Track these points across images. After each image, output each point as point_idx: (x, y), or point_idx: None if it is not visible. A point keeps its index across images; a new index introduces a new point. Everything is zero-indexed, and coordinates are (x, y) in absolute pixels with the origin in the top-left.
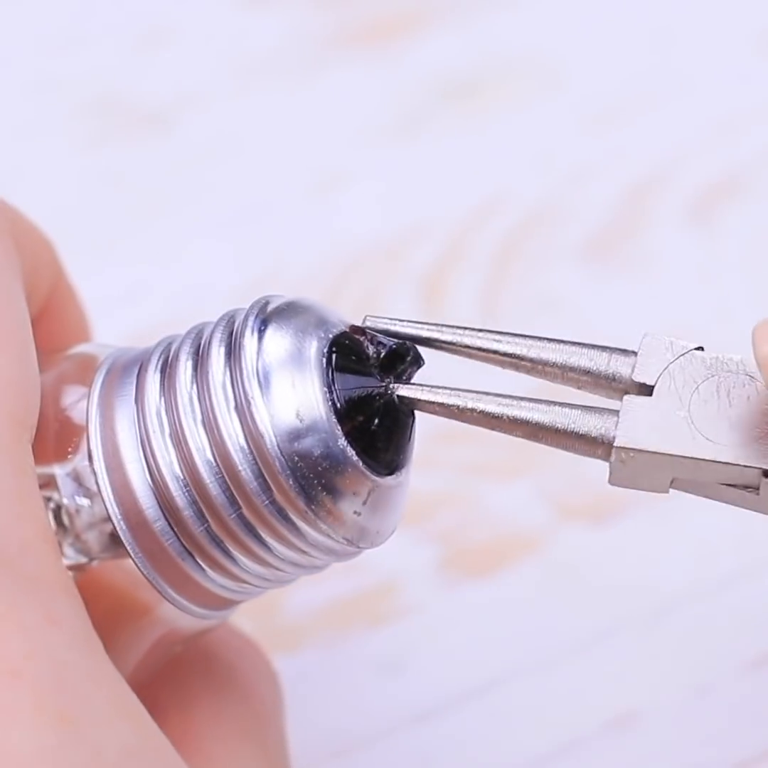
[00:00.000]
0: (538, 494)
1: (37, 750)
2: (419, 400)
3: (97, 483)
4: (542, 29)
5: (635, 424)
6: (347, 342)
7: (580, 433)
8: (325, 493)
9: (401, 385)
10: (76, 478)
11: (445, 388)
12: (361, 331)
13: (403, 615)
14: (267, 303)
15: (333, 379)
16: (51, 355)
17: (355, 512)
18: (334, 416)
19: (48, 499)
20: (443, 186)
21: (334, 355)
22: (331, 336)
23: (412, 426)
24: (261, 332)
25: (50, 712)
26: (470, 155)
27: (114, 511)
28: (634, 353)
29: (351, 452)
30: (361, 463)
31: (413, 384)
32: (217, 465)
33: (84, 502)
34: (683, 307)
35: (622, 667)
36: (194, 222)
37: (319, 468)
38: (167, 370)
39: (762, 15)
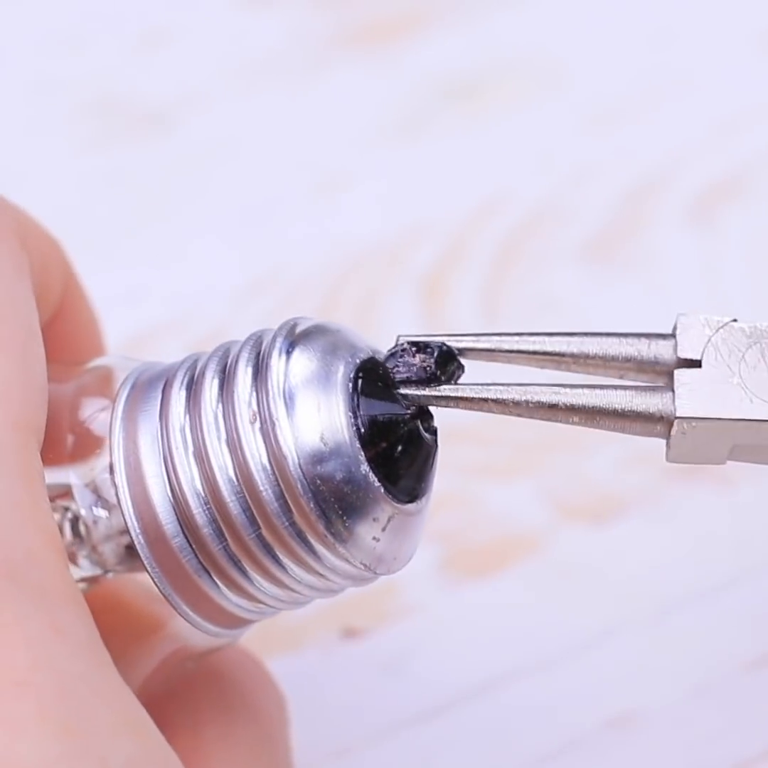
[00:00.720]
0: (539, 494)
1: (42, 761)
2: (471, 398)
3: (117, 496)
4: (543, 29)
5: (692, 395)
6: (374, 367)
7: (639, 411)
8: (345, 518)
9: (446, 387)
10: (95, 489)
11: (495, 384)
12: (413, 342)
13: (404, 615)
14: (295, 325)
15: (359, 404)
16: (72, 366)
17: (374, 538)
18: (358, 441)
19: (65, 509)
20: (444, 186)
21: (360, 380)
22: (358, 360)
23: (435, 454)
24: (288, 354)
25: (55, 723)
26: (471, 156)
27: (133, 524)
28: (673, 335)
29: (373, 478)
30: (382, 490)
31: (460, 384)
32: (239, 484)
33: (102, 513)
34: (684, 307)
35: (622, 667)
36: (195, 222)
37: (341, 492)
38: (193, 387)
39: (762, 15)
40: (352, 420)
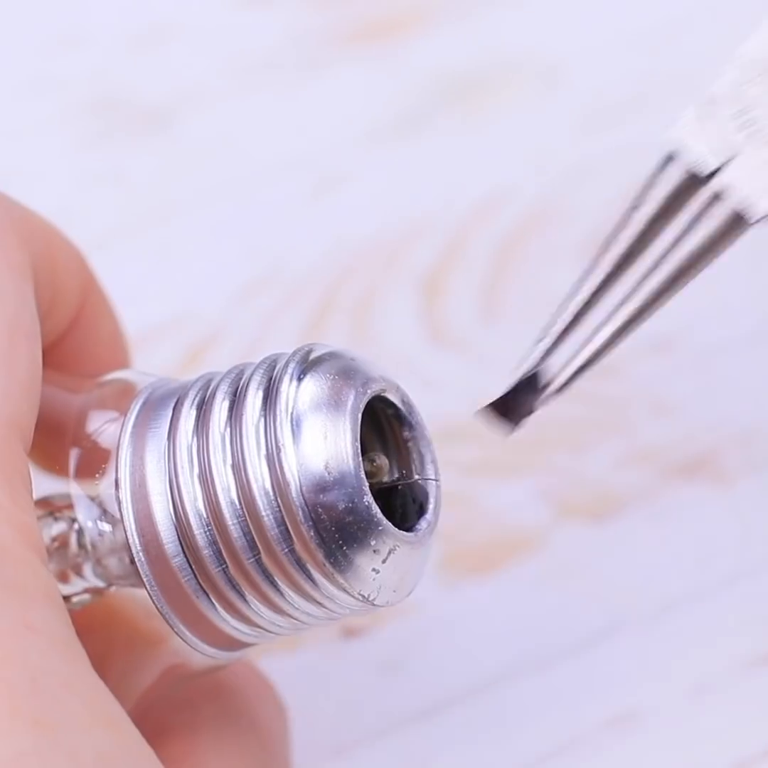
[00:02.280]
0: (538, 493)
1: (13, 754)
2: (601, 349)
3: (120, 512)
4: (542, 28)
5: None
6: (385, 399)
7: (714, 229)
8: (345, 548)
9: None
10: (101, 503)
11: (602, 326)
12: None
13: (403, 614)
14: (310, 351)
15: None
16: (86, 378)
17: (373, 569)
18: (363, 472)
19: (73, 520)
20: (443, 185)
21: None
22: (369, 391)
23: (438, 488)
24: (300, 380)
25: (25, 717)
26: (470, 154)
27: (134, 541)
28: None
29: (376, 509)
30: (384, 521)
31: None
32: (241, 508)
33: (106, 527)
34: (683, 305)
35: (622, 666)
36: (194, 221)
37: (342, 522)
38: (203, 407)
39: (761, 15)
40: (359, 450)
